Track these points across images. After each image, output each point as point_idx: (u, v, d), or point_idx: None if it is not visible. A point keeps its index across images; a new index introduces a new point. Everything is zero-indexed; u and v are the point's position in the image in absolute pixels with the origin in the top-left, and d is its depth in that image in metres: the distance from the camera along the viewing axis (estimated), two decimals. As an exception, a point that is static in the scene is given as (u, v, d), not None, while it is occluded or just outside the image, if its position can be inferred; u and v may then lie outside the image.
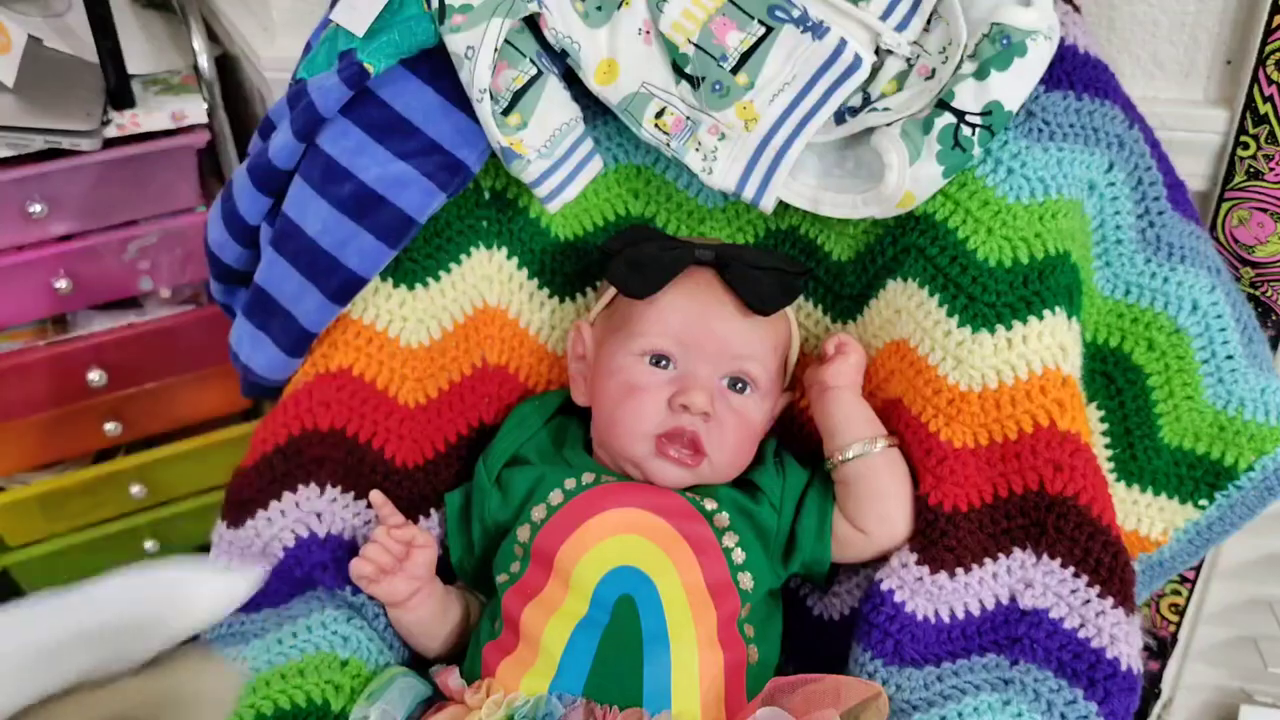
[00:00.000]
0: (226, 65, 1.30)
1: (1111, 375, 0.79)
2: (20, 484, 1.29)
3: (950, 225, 0.74)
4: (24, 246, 1.22)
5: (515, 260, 0.83)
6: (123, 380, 1.28)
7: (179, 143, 1.22)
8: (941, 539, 0.72)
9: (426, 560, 0.75)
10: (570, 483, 0.75)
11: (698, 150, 0.76)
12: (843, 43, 0.75)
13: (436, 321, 0.80)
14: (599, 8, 0.76)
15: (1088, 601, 0.70)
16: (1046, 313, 0.72)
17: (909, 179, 0.72)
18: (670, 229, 0.85)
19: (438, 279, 0.80)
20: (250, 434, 0.81)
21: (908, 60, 0.75)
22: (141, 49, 1.27)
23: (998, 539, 0.73)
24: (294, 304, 0.79)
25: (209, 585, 0.46)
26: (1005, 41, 0.70)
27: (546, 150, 0.76)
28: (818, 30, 0.75)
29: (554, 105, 0.76)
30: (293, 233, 0.77)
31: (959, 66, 0.72)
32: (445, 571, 0.79)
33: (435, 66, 0.75)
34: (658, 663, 0.69)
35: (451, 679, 0.72)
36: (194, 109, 1.22)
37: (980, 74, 0.70)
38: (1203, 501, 0.80)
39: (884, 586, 0.72)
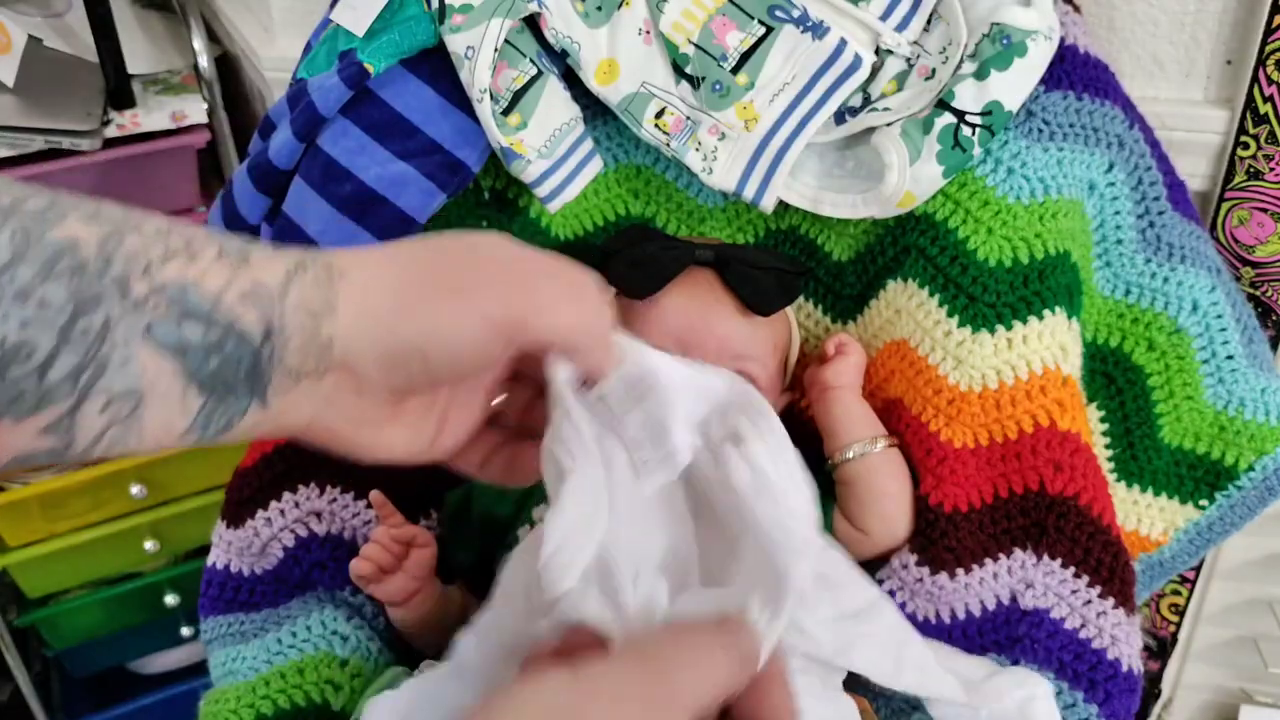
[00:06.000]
0: (226, 65, 1.30)
1: (1111, 375, 0.79)
2: (20, 484, 1.29)
3: (950, 225, 0.74)
4: (24, 246, 1.21)
5: (515, 260, 0.83)
6: (123, 380, 1.28)
7: (179, 143, 1.23)
8: (942, 539, 0.72)
9: (426, 560, 0.75)
10: (570, 483, 0.75)
11: (698, 150, 0.76)
12: (843, 43, 0.75)
13: (436, 321, 0.80)
14: (599, 8, 0.76)
15: (1088, 602, 0.70)
16: (1046, 313, 0.72)
17: (909, 179, 0.72)
18: (670, 229, 0.85)
19: (438, 279, 0.80)
20: (250, 434, 0.81)
21: (908, 60, 0.75)
22: (141, 49, 1.27)
23: (998, 539, 0.73)
24: (294, 304, 0.79)
25: None
26: (1005, 41, 0.70)
27: (546, 150, 0.76)
28: (818, 30, 0.75)
29: (554, 105, 0.76)
30: (293, 233, 0.77)
31: (959, 66, 0.72)
32: (445, 570, 0.79)
33: (435, 66, 0.75)
34: (658, 663, 0.69)
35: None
36: (194, 109, 1.22)
37: (980, 74, 0.70)
38: (1203, 501, 0.80)
39: (885, 587, 0.72)
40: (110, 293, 0.38)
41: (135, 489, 1.33)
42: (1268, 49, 0.78)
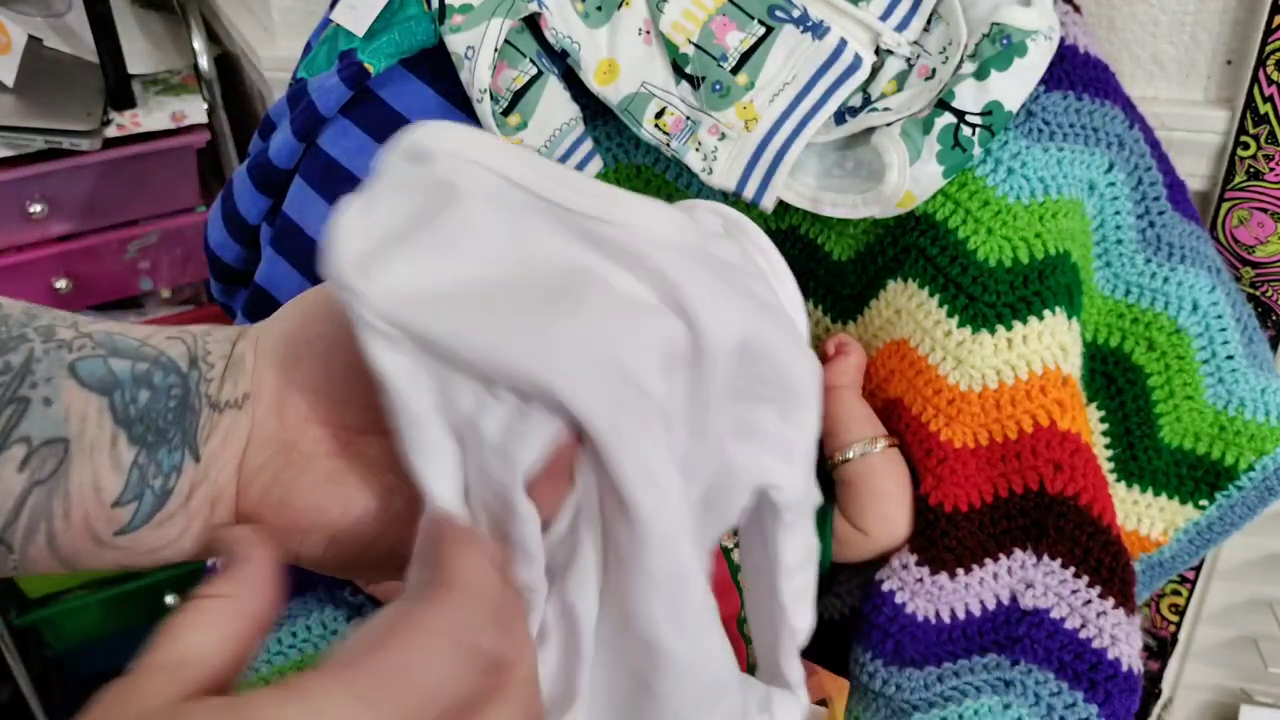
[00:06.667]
0: (226, 65, 1.30)
1: (1111, 375, 0.79)
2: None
3: (950, 225, 0.74)
4: (24, 246, 1.22)
5: (515, 260, 0.83)
6: (123, 380, 1.28)
7: (179, 143, 1.23)
8: (942, 539, 0.72)
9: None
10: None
11: (698, 150, 0.76)
12: (843, 43, 0.75)
13: (436, 321, 0.80)
14: (599, 8, 0.76)
15: (1088, 602, 0.70)
16: (1046, 313, 0.72)
17: (909, 179, 0.72)
18: (670, 229, 0.85)
19: (438, 279, 0.80)
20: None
21: (908, 60, 0.75)
22: (141, 49, 1.27)
23: (998, 539, 0.73)
24: (294, 304, 0.79)
25: None
26: (1005, 41, 0.70)
27: (546, 150, 0.76)
28: (818, 30, 0.75)
29: (554, 105, 0.76)
30: (293, 233, 0.77)
31: (959, 66, 0.72)
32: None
33: (435, 66, 0.75)
34: (658, 663, 0.69)
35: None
36: (194, 109, 1.22)
37: (980, 74, 0.70)
38: (1203, 501, 0.80)
39: (885, 587, 0.72)
40: (34, 336, 0.36)
41: (135, 489, 1.33)
42: (1268, 49, 0.78)
